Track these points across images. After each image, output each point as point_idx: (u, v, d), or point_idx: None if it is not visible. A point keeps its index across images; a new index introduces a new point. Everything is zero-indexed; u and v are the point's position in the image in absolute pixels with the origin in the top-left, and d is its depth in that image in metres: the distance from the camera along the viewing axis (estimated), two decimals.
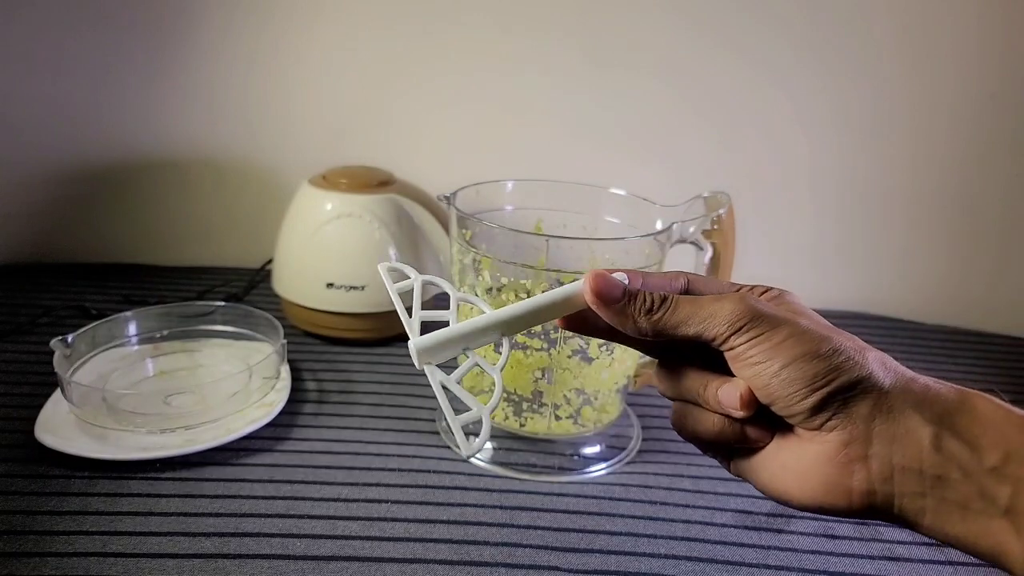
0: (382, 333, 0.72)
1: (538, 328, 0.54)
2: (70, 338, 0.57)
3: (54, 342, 0.56)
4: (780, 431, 0.33)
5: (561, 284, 0.45)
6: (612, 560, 0.47)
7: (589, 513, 0.51)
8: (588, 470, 0.55)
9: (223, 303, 0.68)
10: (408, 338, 0.35)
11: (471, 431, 0.33)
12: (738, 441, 0.33)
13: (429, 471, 0.54)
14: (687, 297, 0.33)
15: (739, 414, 0.32)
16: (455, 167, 0.79)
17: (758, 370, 0.31)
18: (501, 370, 0.36)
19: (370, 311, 0.69)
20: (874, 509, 0.30)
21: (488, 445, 0.57)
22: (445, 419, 0.34)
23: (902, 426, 0.30)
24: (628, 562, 0.47)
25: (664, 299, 0.33)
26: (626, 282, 0.34)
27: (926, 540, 0.51)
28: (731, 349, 0.31)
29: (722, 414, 0.33)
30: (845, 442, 0.30)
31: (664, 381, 0.36)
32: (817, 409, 0.30)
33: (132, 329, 0.64)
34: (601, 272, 0.33)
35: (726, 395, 0.32)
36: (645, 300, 0.33)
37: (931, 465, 0.29)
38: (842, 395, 0.30)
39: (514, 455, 0.56)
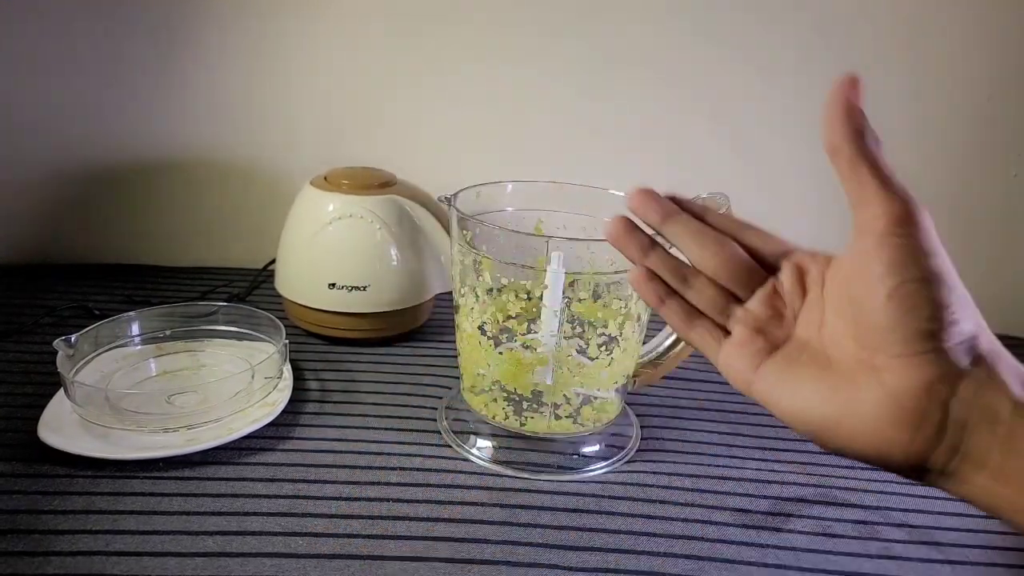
0: (384, 333, 0.72)
1: (538, 328, 0.54)
2: (73, 338, 0.58)
3: (57, 342, 0.56)
4: (832, 347, 0.32)
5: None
6: (611, 558, 0.47)
7: (588, 511, 0.51)
8: (588, 469, 0.56)
9: (226, 303, 0.68)
10: None
11: None
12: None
13: (430, 470, 0.54)
14: None
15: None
16: (456, 168, 0.79)
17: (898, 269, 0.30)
18: None
19: (372, 311, 0.69)
20: (928, 461, 0.29)
21: (488, 444, 0.57)
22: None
23: (991, 384, 0.29)
24: (627, 560, 0.47)
25: None
26: None
27: (925, 540, 0.51)
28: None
29: None
30: (938, 377, 0.29)
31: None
32: (931, 335, 0.29)
33: (135, 329, 0.64)
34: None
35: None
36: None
37: (1006, 421, 0.28)
38: (959, 334, 0.29)
39: (514, 454, 0.56)
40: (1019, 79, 0.82)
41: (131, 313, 0.64)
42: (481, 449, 0.57)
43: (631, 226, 0.38)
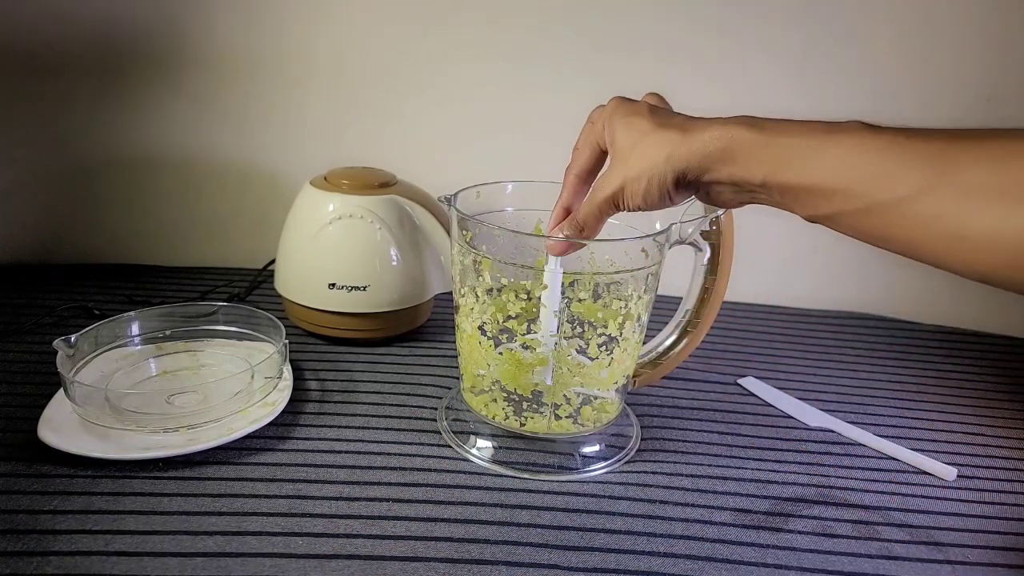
0: (384, 333, 0.72)
1: (538, 328, 0.54)
2: (73, 338, 0.58)
3: (57, 342, 0.56)
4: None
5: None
6: (611, 558, 0.47)
7: (588, 511, 0.51)
8: (588, 469, 0.56)
9: (225, 303, 0.68)
10: None
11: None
12: None
13: (430, 470, 0.54)
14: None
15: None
16: (456, 168, 0.79)
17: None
18: None
19: (372, 311, 0.69)
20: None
21: (488, 444, 0.57)
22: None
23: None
24: (627, 560, 0.47)
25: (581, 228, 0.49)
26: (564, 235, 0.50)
27: (925, 540, 0.51)
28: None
29: None
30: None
31: None
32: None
33: (135, 329, 0.64)
34: (554, 247, 0.50)
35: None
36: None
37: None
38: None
39: (514, 454, 0.56)
40: (1019, 79, 0.82)
41: (131, 313, 0.64)
42: (481, 449, 0.57)
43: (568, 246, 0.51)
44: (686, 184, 0.43)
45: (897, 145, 0.37)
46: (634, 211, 0.46)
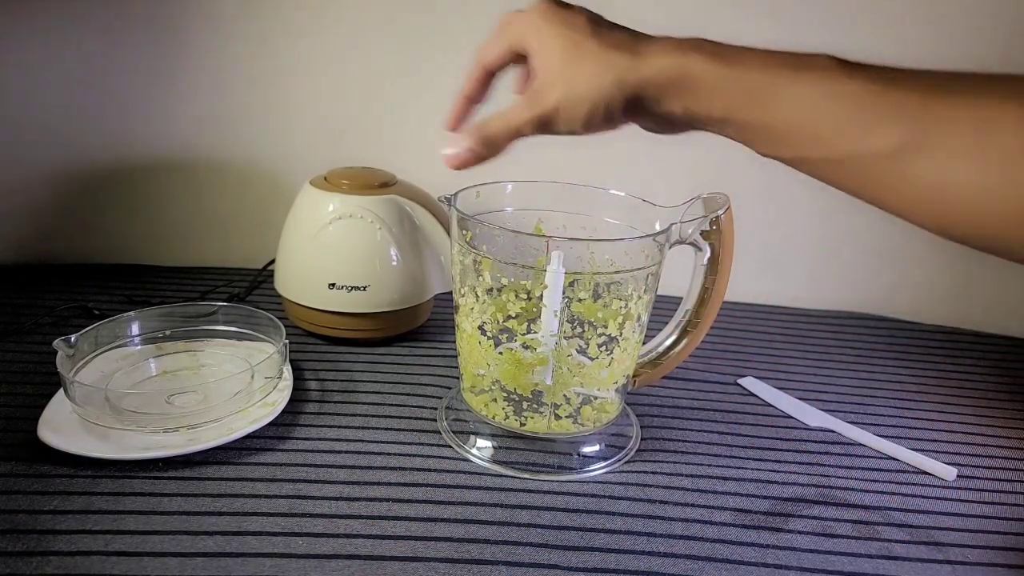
0: (384, 333, 0.72)
1: (538, 328, 0.54)
2: (73, 338, 0.58)
3: (57, 342, 0.56)
4: None
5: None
6: (611, 558, 0.47)
7: (588, 511, 0.51)
8: (588, 469, 0.56)
9: (225, 303, 0.68)
10: None
11: None
12: None
13: (430, 470, 0.54)
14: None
15: None
16: None
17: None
18: None
19: (372, 311, 0.69)
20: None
21: (488, 444, 0.57)
22: None
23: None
24: (627, 560, 0.47)
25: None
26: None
27: (925, 540, 0.51)
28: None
29: None
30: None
31: None
32: None
33: (135, 329, 0.64)
34: (453, 159, 0.46)
35: None
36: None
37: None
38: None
39: (514, 454, 0.56)
40: None
41: (131, 313, 0.64)
42: (481, 449, 0.57)
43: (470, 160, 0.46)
44: (634, 111, 0.41)
45: (873, 93, 0.34)
46: (565, 135, 0.43)
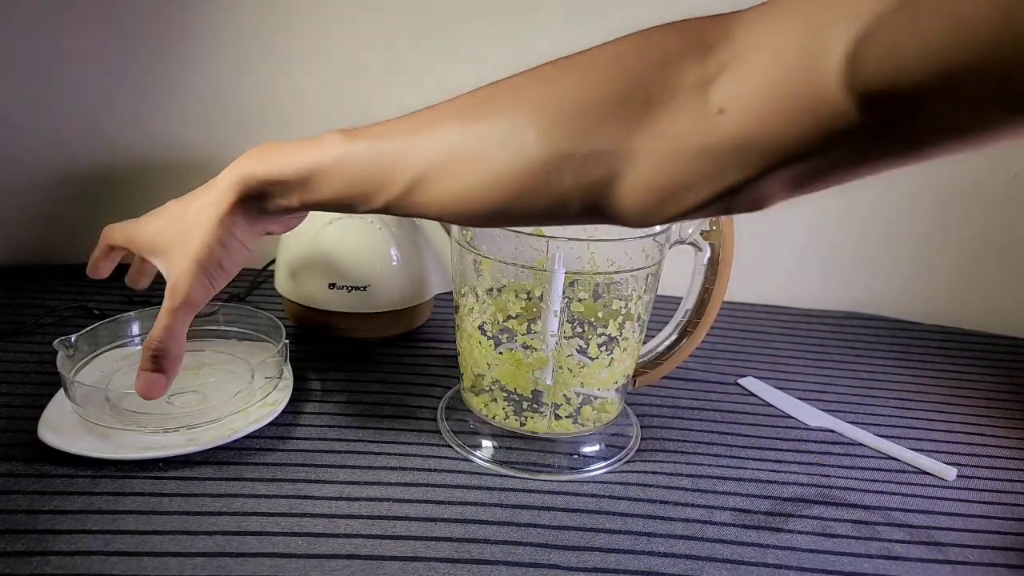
0: (384, 333, 0.72)
1: (538, 327, 0.54)
2: (73, 338, 0.58)
3: (57, 343, 0.56)
4: None
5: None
6: (611, 558, 0.47)
7: (588, 511, 0.51)
8: (588, 469, 0.56)
9: (225, 303, 0.68)
10: None
11: None
12: None
13: (430, 470, 0.54)
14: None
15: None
16: None
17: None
18: None
19: (372, 311, 0.69)
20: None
21: (489, 444, 0.57)
22: None
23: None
24: (627, 560, 0.47)
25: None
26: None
27: (925, 540, 0.51)
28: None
29: None
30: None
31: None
32: None
33: (135, 329, 0.64)
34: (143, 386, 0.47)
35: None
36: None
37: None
38: None
39: (514, 454, 0.56)
40: None
41: (131, 313, 0.64)
42: (481, 449, 0.57)
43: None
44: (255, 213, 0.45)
45: (372, 152, 0.40)
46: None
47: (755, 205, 0.34)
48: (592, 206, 0.36)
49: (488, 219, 0.39)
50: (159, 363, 0.46)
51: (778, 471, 0.58)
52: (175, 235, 0.46)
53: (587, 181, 0.35)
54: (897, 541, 0.51)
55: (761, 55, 0.30)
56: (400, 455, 0.56)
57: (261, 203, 0.44)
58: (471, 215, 0.39)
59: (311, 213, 0.71)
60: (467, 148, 0.37)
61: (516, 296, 0.55)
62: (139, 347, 0.64)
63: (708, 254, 0.56)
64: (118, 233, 0.55)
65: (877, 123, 0.28)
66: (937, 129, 0.28)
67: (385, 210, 0.41)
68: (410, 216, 0.42)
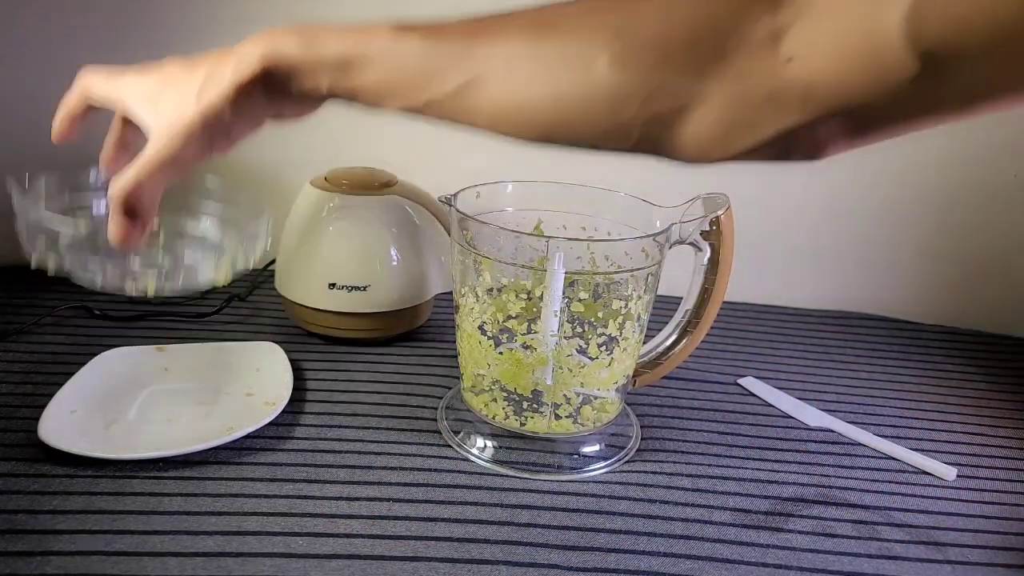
0: (384, 333, 0.72)
1: (538, 328, 0.54)
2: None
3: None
4: None
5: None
6: (611, 558, 0.47)
7: (589, 511, 0.51)
8: (588, 469, 0.56)
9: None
10: None
11: None
12: None
13: (430, 470, 0.54)
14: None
15: None
16: (456, 168, 0.79)
17: None
18: None
19: (372, 311, 0.69)
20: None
21: (489, 444, 0.57)
22: None
23: None
24: (627, 560, 0.47)
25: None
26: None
27: (925, 540, 0.51)
28: None
29: None
30: None
31: None
32: None
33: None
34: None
35: None
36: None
37: None
38: None
39: (514, 454, 0.56)
40: None
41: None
42: (481, 449, 0.57)
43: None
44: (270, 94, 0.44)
45: (426, 48, 0.39)
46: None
47: (812, 151, 0.36)
48: (653, 137, 0.36)
49: (541, 134, 0.38)
50: (132, 210, 0.44)
51: (778, 471, 0.58)
52: (175, 93, 0.43)
53: (652, 112, 0.35)
54: (897, 541, 0.51)
55: (828, 9, 0.32)
56: (400, 455, 0.56)
57: (286, 82, 0.43)
58: (523, 128, 0.38)
59: (311, 213, 0.71)
60: (533, 61, 0.36)
61: (516, 296, 0.55)
62: (139, 347, 0.64)
63: (708, 254, 0.56)
64: (101, 85, 0.49)
65: (934, 76, 0.30)
66: (989, 84, 0.30)
67: (421, 109, 0.40)
68: (447, 120, 0.41)
